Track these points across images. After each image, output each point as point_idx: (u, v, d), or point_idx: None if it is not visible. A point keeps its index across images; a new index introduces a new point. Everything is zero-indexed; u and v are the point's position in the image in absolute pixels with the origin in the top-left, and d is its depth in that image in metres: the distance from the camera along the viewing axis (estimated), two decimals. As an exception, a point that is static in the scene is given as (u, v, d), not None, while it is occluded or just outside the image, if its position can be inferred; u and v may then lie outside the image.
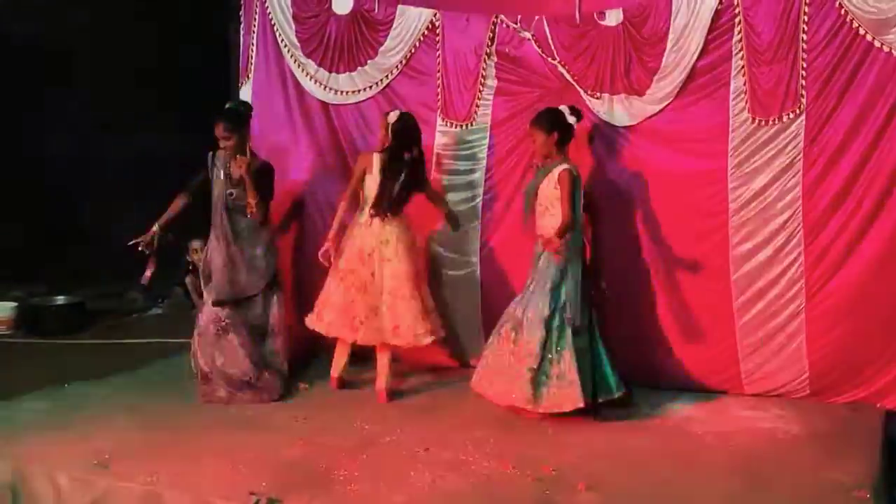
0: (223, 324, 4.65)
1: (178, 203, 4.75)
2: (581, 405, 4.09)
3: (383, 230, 4.54)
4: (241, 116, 4.74)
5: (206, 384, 4.62)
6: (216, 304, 4.67)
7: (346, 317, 4.54)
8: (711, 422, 4.20)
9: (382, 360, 4.60)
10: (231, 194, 4.66)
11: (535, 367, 4.11)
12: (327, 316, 4.60)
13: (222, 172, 4.68)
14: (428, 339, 4.55)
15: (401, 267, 4.52)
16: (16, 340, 6.19)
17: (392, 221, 4.55)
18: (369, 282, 4.53)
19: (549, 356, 4.14)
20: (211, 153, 4.75)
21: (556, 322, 4.16)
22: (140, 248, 4.67)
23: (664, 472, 3.59)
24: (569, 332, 4.15)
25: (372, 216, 4.54)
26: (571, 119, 4.30)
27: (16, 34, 7.52)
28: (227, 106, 4.83)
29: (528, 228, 4.39)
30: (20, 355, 5.79)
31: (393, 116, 4.63)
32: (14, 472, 3.61)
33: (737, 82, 4.40)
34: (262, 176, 4.67)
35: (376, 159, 4.56)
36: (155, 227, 4.69)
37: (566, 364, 4.11)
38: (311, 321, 4.65)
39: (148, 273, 4.86)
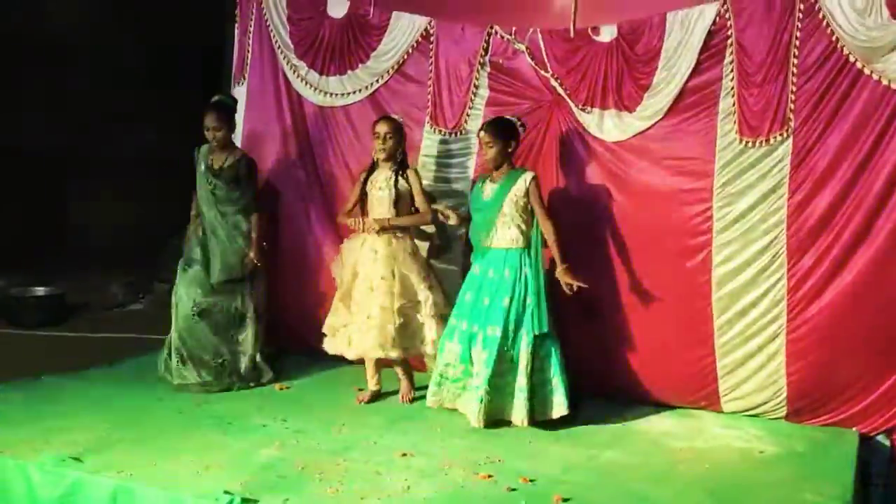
0: (198, 309, 4.77)
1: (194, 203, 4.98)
2: (565, 412, 4.26)
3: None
4: (230, 109, 4.94)
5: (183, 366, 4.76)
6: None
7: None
8: (688, 438, 4.21)
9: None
10: (214, 186, 4.80)
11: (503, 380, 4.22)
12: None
13: (203, 165, 4.83)
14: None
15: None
16: (-7, 331, 6.15)
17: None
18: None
19: (527, 368, 4.23)
20: (197, 149, 4.89)
21: (523, 333, 4.25)
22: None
23: (640, 485, 3.60)
24: (544, 340, 4.28)
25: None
26: (521, 130, 4.46)
27: (7, 25, 7.49)
28: (216, 98, 4.95)
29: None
30: (-3, 346, 5.75)
31: (400, 119, 4.67)
32: (-14, 463, 3.58)
33: (726, 102, 4.42)
34: (246, 168, 4.86)
35: (386, 168, 4.59)
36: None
37: (547, 373, 4.28)
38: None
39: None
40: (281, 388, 4.81)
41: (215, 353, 4.80)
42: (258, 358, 4.90)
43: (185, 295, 4.83)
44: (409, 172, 4.62)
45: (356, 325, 4.53)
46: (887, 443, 4.24)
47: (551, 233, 4.31)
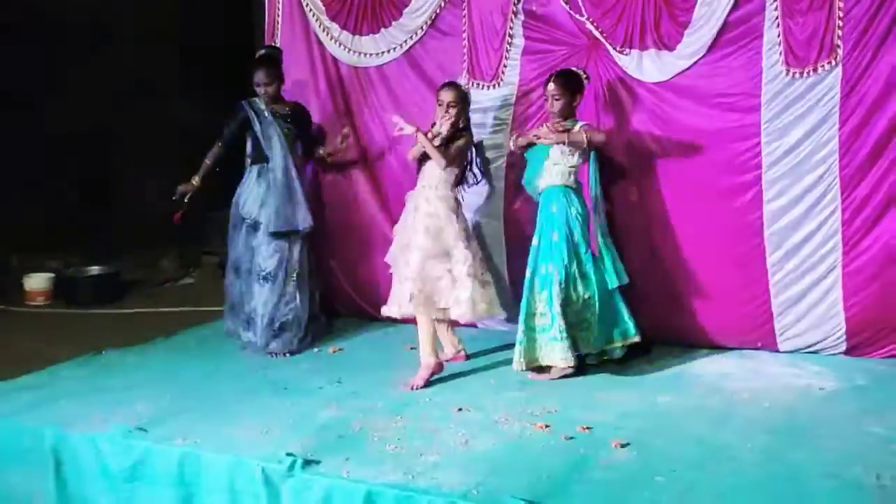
0: (265, 271, 4.80)
1: (215, 151, 4.91)
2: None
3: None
4: (277, 62, 4.96)
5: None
6: (273, 234, 4.80)
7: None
8: (746, 379, 4.16)
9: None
10: (288, 130, 4.87)
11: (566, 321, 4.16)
12: None
13: (267, 113, 4.84)
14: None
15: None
16: (53, 311, 6.30)
17: None
18: None
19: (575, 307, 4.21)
20: (245, 101, 4.88)
21: (573, 273, 4.21)
22: (175, 199, 4.85)
23: (699, 429, 3.58)
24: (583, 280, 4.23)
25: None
26: (586, 82, 4.38)
27: (46, 8, 7.54)
28: (262, 52, 5.03)
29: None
30: (58, 325, 5.89)
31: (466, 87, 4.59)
32: (56, 438, 3.68)
33: (770, 34, 4.29)
34: (303, 117, 4.99)
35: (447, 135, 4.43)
36: (195, 180, 4.86)
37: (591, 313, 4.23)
38: None
39: (177, 217, 4.91)
40: (334, 351, 4.86)
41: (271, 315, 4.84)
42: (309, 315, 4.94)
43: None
44: (473, 140, 4.51)
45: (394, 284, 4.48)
46: (951, 371, 4.16)
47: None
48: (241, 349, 4.86)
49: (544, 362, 4.23)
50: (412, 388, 4.15)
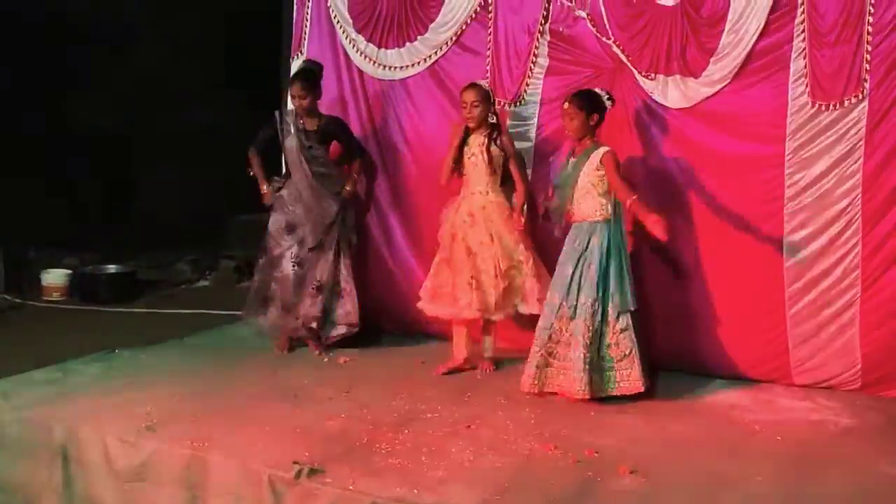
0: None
1: (258, 159, 5.06)
2: (642, 389, 4.15)
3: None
4: (315, 76, 5.00)
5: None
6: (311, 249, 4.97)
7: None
8: (759, 411, 4.13)
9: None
10: (310, 147, 4.95)
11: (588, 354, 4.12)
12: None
13: (293, 128, 4.93)
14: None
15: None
16: (69, 307, 6.34)
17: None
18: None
19: (607, 342, 4.17)
20: (278, 112, 5.00)
21: (609, 306, 4.17)
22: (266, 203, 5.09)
23: (709, 458, 3.54)
24: (625, 315, 4.17)
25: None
26: (608, 104, 4.31)
27: (69, 11, 7.65)
28: (301, 66, 5.09)
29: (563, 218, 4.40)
30: (73, 321, 5.93)
31: (487, 85, 4.66)
32: (65, 434, 3.70)
33: (797, 65, 4.27)
34: (338, 126, 5.04)
35: (479, 134, 4.57)
36: (265, 188, 5.04)
37: (625, 348, 4.16)
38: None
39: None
40: (345, 362, 4.86)
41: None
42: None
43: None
44: (504, 138, 4.59)
45: (458, 286, 4.51)
46: (969, 414, 4.10)
47: (627, 207, 4.17)
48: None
49: (557, 390, 4.22)
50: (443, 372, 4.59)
